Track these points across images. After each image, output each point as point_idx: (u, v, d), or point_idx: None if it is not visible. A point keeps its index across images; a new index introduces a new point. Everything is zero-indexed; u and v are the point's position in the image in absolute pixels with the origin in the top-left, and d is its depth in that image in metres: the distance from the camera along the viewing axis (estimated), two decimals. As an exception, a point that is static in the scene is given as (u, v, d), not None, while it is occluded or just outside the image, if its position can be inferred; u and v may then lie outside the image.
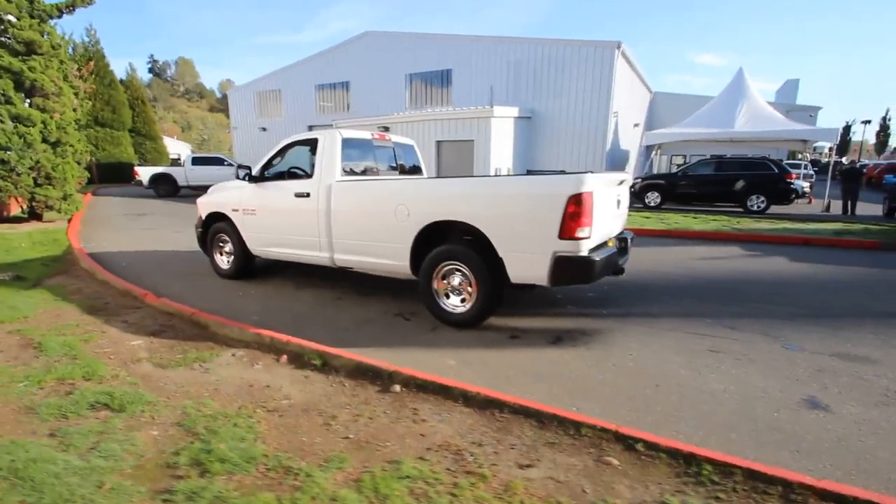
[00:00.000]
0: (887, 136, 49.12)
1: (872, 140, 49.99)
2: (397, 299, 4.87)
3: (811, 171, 22.17)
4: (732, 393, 2.87)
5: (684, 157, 27.43)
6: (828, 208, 14.06)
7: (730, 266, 6.48)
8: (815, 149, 18.49)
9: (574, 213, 3.34)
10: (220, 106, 77.48)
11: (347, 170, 4.83)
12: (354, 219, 4.51)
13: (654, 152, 19.35)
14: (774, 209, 13.66)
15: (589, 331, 3.96)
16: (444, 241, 4.09)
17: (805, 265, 6.43)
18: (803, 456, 2.20)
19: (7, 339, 3.55)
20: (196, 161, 19.58)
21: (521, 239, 3.59)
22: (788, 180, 13.17)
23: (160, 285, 5.25)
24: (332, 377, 3.00)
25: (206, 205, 5.92)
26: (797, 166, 19.73)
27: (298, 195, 4.87)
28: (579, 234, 3.38)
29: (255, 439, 2.20)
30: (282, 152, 5.33)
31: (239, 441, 2.16)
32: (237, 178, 5.32)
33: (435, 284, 4.11)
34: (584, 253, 3.44)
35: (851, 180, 13.13)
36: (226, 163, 19.72)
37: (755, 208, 13.34)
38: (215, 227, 5.80)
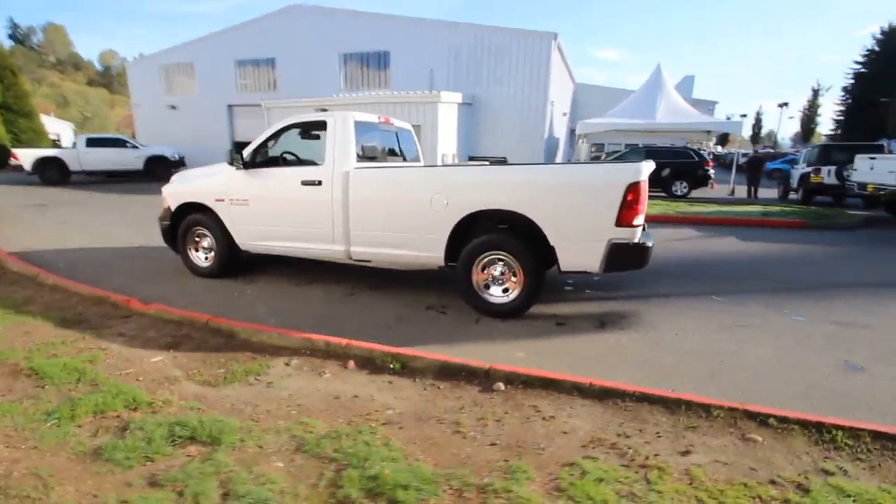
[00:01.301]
0: (760, 128, 57.14)
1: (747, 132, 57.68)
2: (417, 292, 4.66)
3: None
4: (783, 363, 3.15)
5: (603, 145, 29.51)
6: (732, 192, 15.95)
7: (696, 246, 7.12)
8: (696, 140, 20.94)
9: (632, 201, 3.42)
10: (102, 80, 67.90)
11: (360, 156, 4.47)
12: (378, 209, 4.20)
13: (580, 140, 20.51)
14: (693, 193, 15.22)
15: (624, 314, 4.11)
16: (476, 231, 3.97)
17: (756, 244, 7.25)
18: (878, 414, 2.47)
19: (-18, 368, 2.81)
20: (92, 142, 17.01)
21: (576, 227, 3.60)
22: (706, 168, 14.73)
23: (129, 289, 4.49)
24: (420, 380, 2.79)
25: (176, 194, 5.15)
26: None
27: (307, 183, 4.42)
28: (636, 221, 3.47)
29: (407, 457, 1.98)
30: (276, 136, 4.80)
31: (392, 462, 1.92)
32: (229, 162, 4.67)
33: (475, 275, 3.99)
34: (639, 239, 3.55)
35: (754, 168, 15.02)
36: (128, 144, 17.40)
37: (678, 193, 14.75)
38: (190, 220, 5.08)
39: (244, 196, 4.73)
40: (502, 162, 15.38)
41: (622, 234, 3.51)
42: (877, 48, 47.86)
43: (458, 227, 3.94)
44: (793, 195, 14.21)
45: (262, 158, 4.81)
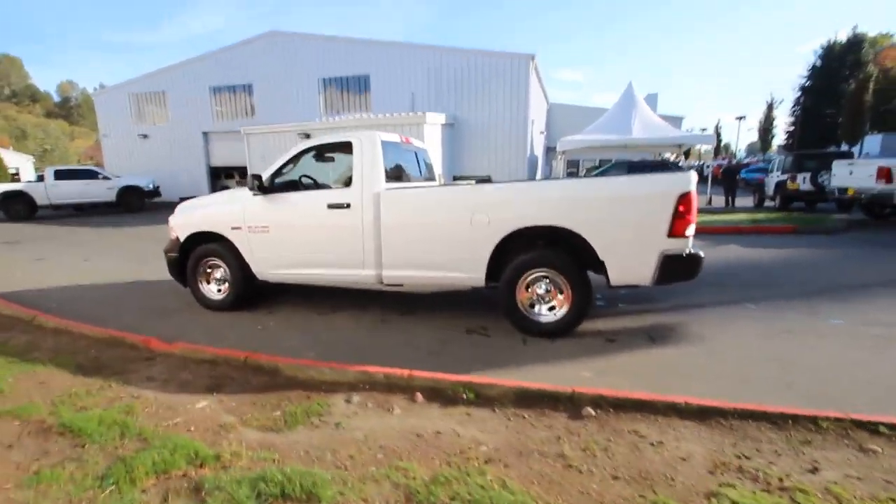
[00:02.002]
0: (719, 141, 60.21)
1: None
2: (451, 315, 4.49)
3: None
4: (847, 367, 3.13)
5: (578, 161, 30.28)
6: (710, 202, 16.49)
7: (708, 255, 7.20)
8: (660, 154, 21.91)
9: (684, 211, 3.39)
10: (61, 111, 65.61)
11: (387, 176, 4.32)
12: (414, 231, 4.04)
13: (558, 157, 20.94)
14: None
15: (669, 327, 4.05)
16: (514, 249, 3.85)
17: (759, 250, 7.41)
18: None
19: (5, 428, 2.46)
20: (60, 174, 16.23)
21: (628, 240, 3.53)
22: (686, 179, 15.20)
23: (141, 328, 4.15)
24: (500, 410, 2.61)
25: (185, 225, 4.85)
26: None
27: (334, 206, 4.22)
28: (688, 231, 3.44)
29: (536, 500, 1.79)
30: (295, 159, 4.61)
31: (523, 507, 1.73)
32: (249, 188, 4.42)
33: (519, 294, 3.86)
34: (691, 249, 3.51)
35: (730, 177, 15.61)
36: (100, 175, 16.65)
37: (662, 205, 15.12)
38: (201, 251, 4.77)
39: (263, 223, 4.48)
40: (487, 180, 15.49)
41: (674, 245, 3.46)
42: (819, 63, 51.51)
43: (499, 246, 3.82)
44: (769, 202, 14.78)
45: (281, 183, 4.60)
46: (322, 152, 4.74)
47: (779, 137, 52.35)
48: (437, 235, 3.98)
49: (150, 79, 21.10)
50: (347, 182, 5.82)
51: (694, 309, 4.54)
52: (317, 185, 5.08)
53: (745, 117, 42.87)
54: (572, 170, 30.92)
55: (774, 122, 48.78)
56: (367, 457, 2.18)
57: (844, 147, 34.35)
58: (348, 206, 4.17)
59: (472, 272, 3.96)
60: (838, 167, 10.07)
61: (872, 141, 31.14)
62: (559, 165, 22.17)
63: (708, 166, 34.81)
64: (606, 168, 16.73)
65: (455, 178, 18.80)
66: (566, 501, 1.81)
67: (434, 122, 15.89)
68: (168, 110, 21.13)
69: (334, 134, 4.66)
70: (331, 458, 2.17)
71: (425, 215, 4.01)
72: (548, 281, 3.82)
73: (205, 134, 20.64)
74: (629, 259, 3.56)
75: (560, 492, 1.87)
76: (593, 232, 3.57)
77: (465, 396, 2.71)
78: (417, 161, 5.25)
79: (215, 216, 4.71)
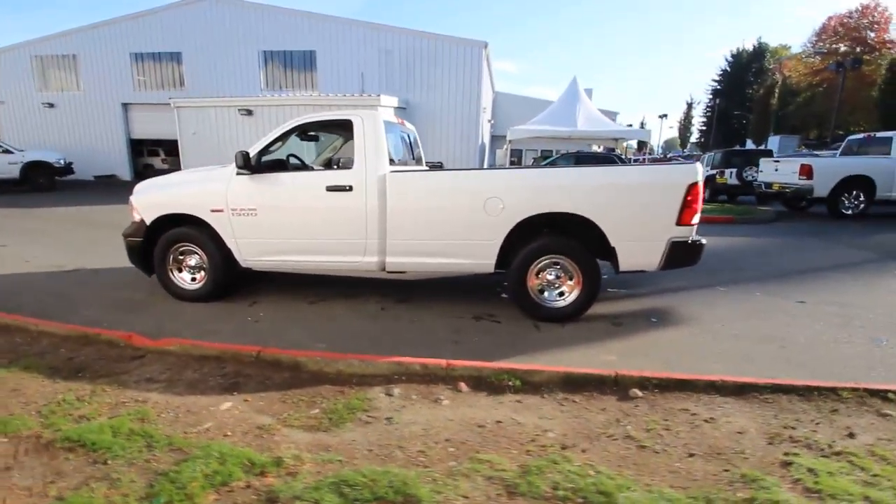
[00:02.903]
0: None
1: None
2: (450, 301, 4.42)
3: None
4: (830, 342, 3.49)
5: (522, 151, 31.02)
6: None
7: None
8: (591, 146, 23.41)
9: (692, 200, 3.57)
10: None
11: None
12: (422, 216, 3.90)
13: (505, 146, 21.33)
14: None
15: (663, 309, 4.28)
16: (521, 235, 3.86)
17: (711, 238, 8.01)
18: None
19: (-7, 446, 2.05)
20: (-56, 146, 13.85)
21: (638, 228, 3.66)
22: (629, 171, 16.15)
23: (110, 322, 3.67)
24: (549, 396, 2.60)
25: (152, 205, 4.32)
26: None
27: (333, 189, 3.96)
28: (694, 220, 3.63)
29: (635, 484, 1.80)
30: (285, 137, 4.25)
31: (628, 490, 1.74)
32: (238, 165, 4.00)
33: (530, 281, 3.88)
34: (695, 237, 3.71)
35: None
36: (0, 148, 14.43)
37: (606, 195, 15.97)
38: (172, 235, 4.29)
39: (250, 205, 4.10)
40: (439, 167, 15.41)
41: (681, 233, 3.64)
42: (728, 69, 56.57)
43: (513, 232, 3.80)
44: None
45: (269, 162, 4.23)
46: (315, 130, 4.42)
47: (694, 135, 57.22)
48: (447, 221, 3.87)
49: (59, 40, 18.52)
50: (328, 163, 5.54)
51: (674, 293, 4.83)
52: (304, 166, 4.75)
53: (666, 116, 46.62)
54: (514, 159, 31.72)
55: (693, 121, 53.05)
56: (440, 452, 2.08)
57: (751, 146, 38.27)
58: (350, 188, 3.93)
59: (482, 258, 3.91)
60: (765, 164, 11.17)
61: (773, 142, 34.98)
62: (501, 155, 22.62)
63: (635, 160, 37.52)
64: (555, 159, 17.27)
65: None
66: (663, 481, 1.84)
67: (388, 105, 15.47)
68: (80, 77, 18.71)
69: (329, 111, 4.36)
70: (402, 455, 2.05)
71: (435, 200, 3.88)
72: (558, 267, 3.87)
73: (124, 105, 18.54)
74: (639, 246, 3.70)
75: (652, 473, 1.91)
76: (607, 219, 3.66)
77: (510, 384, 2.68)
78: (409, 144, 5.07)
79: (191, 196, 4.23)
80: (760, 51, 53.33)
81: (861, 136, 10.93)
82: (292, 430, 2.27)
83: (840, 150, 11.29)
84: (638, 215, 3.64)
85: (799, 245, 7.52)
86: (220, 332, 3.60)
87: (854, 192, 9.67)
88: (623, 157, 17.54)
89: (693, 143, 59.22)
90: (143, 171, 19.22)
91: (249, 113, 14.86)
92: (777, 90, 38.80)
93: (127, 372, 2.83)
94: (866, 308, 4.22)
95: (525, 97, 28.63)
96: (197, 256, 4.35)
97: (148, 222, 4.31)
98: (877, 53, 38.44)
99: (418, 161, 5.26)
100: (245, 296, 4.57)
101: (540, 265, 3.86)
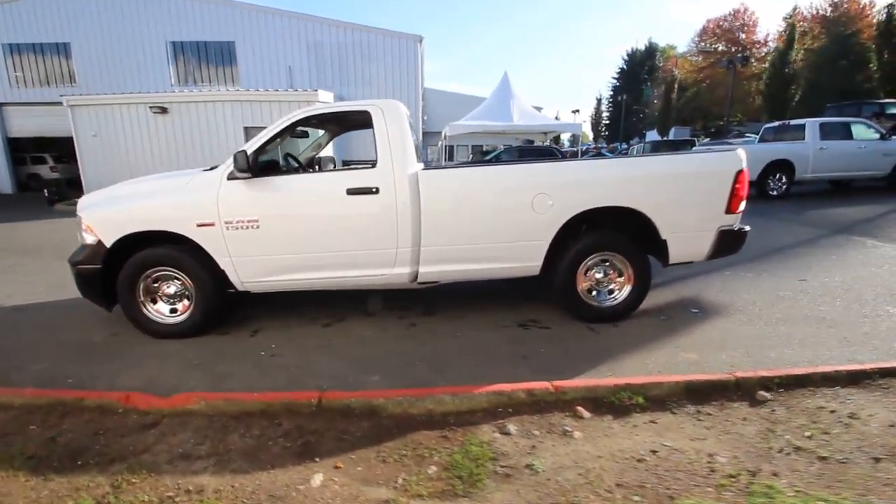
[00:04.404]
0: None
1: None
2: (481, 309, 4.05)
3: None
4: (855, 318, 3.61)
5: (453, 147, 31.06)
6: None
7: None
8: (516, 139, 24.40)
9: (739, 187, 3.52)
10: None
11: (412, 154, 3.62)
12: (462, 218, 3.46)
13: (440, 142, 21.13)
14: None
15: (692, 299, 4.23)
16: (568, 233, 3.61)
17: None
18: None
19: None
20: None
21: (690, 218, 3.54)
22: (569, 163, 16.73)
23: (73, 377, 2.82)
24: (679, 411, 2.34)
25: (113, 223, 3.42)
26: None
27: (355, 192, 3.38)
28: (741, 207, 3.58)
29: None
30: (283, 133, 3.58)
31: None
32: (237, 168, 3.24)
33: (579, 281, 3.61)
34: (739, 225, 3.67)
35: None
36: None
37: (550, 187, 16.41)
38: (143, 258, 3.43)
39: (250, 216, 3.38)
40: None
41: (729, 221, 3.58)
42: (625, 67, 61.42)
43: (563, 230, 3.51)
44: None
45: (267, 163, 3.54)
46: (319, 124, 3.77)
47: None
48: (490, 222, 3.48)
49: None
50: (310, 163, 4.85)
51: (688, 279, 4.84)
52: (300, 165, 4.08)
53: (578, 111, 49.59)
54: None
55: (604, 116, 56.76)
56: (624, 494, 1.72)
57: (656, 136, 41.84)
58: (376, 191, 3.38)
59: (528, 261, 3.58)
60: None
61: (678, 132, 38.49)
62: (435, 151, 22.41)
63: (562, 152, 39.79)
64: (499, 153, 17.38)
65: (345, 163, 17.59)
66: (885, 498, 1.65)
67: (326, 101, 14.48)
68: (-71, 70, 15.35)
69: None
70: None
71: (476, 199, 3.46)
72: (606, 264, 3.65)
73: (-2, 105, 15.55)
74: (690, 237, 3.59)
75: (863, 491, 1.71)
76: (657, 211, 3.49)
77: (632, 402, 2.38)
78: (417, 139, 4.57)
79: (169, 209, 3.40)
80: (652, 50, 58.54)
81: (776, 123, 12.16)
82: (425, 502, 1.77)
83: (758, 136, 12.47)
84: (689, 205, 3.52)
85: (770, 227, 8.09)
86: (237, 375, 2.90)
87: (777, 175, 10.72)
88: (562, 150, 18.12)
89: (603, 136, 63.52)
90: (27, 183, 16.28)
91: (163, 111, 13.11)
92: (676, 86, 42.69)
93: (147, 449, 2.11)
94: (863, 281, 4.51)
95: (453, 93, 28.64)
96: (178, 282, 3.53)
97: (108, 244, 3.40)
98: (748, 52, 43.64)
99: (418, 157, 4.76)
100: (240, 324, 3.82)
101: (588, 264, 3.62)
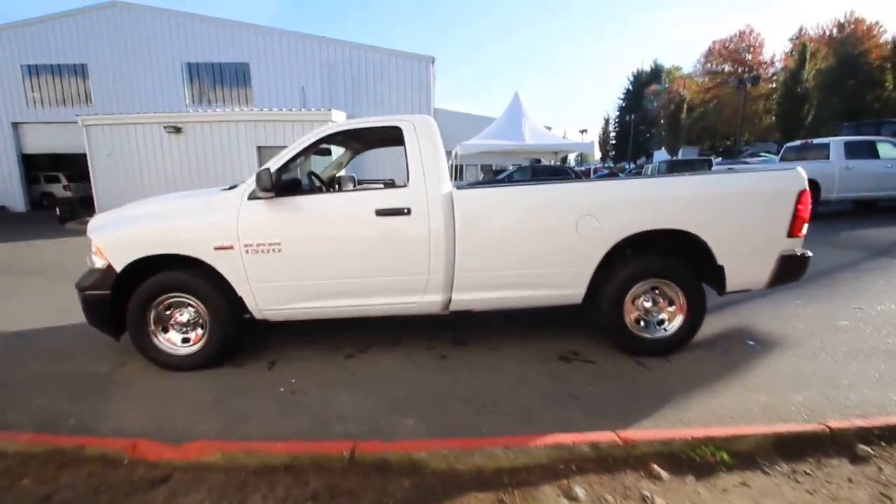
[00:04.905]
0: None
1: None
2: (516, 339, 3.74)
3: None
4: None
5: (462, 167, 31.11)
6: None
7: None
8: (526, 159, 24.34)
9: (802, 208, 3.23)
10: None
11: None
12: (500, 241, 3.19)
13: (450, 161, 21.06)
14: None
15: (746, 329, 3.90)
16: (612, 258, 3.32)
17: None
18: None
19: None
20: None
21: (749, 242, 3.25)
22: (582, 183, 16.52)
23: (62, 416, 2.54)
24: (771, 469, 2.01)
25: (126, 245, 3.18)
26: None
27: (385, 213, 3.13)
28: (803, 230, 3.29)
29: None
30: (308, 151, 3.36)
31: None
32: (261, 186, 3.01)
33: (627, 311, 3.31)
34: (802, 249, 3.36)
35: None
36: None
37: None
38: (157, 283, 3.18)
39: (272, 239, 3.13)
40: (391, 185, 14.67)
41: (791, 245, 3.28)
42: (630, 87, 61.95)
43: (609, 254, 3.22)
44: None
45: (290, 181, 3.31)
46: (349, 140, 3.56)
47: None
48: (530, 246, 3.20)
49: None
50: (331, 182, 4.63)
51: (732, 307, 4.49)
52: (322, 184, 3.86)
53: (586, 130, 49.81)
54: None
55: (612, 135, 57.05)
56: None
57: (665, 155, 41.72)
58: (408, 212, 3.12)
59: (570, 288, 3.29)
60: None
61: (686, 152, 38.41)
62: (450, 170, 22.33)
63: (612, 169, 40.12)
64: (512, 172, 17.23)
65: (359, 182, 17.50)
66: None
67: (338, 121, 14.48)
68: (-51, 91, 15.57)
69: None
70: None
71: (516, 221, 3.20)
72: (657, 292, 3.35)
73: (14, 125, 15.68)
74: (749, 263, 3.28)
75: None
76: (713, 234, 3.20)
77: (719, 458, 2.05)
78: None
79: (185, 231, 3.16)
80: (657, 71, 59.02)
81: (798, 142, 11.89)
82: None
83: (780, 156, 12.20)
84: (748, 228, 3.23)
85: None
86: (255, 415, 2.61)
87: (803, 196, 10.39)
88: (575, 170, 17.94)
89: (610, 156, 63.66)
90: (41, 201, 16.31)
91: (178, 130, 13.10)
92: (685, 106, 42.80)
93: (158, 511, 1.81)
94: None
95: (462, 113, 28.77)
96: (191, 309, 3.27)
97: (119, 268, 3.16)
98: (755, 72, 43.85)
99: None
100: (256, 355, 3.53)
101: (636, 291, 3.31)
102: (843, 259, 6.55)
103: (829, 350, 3.37)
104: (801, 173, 3.26)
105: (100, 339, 3.51)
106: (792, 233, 3.23)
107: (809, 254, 3.41)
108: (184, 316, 3.29)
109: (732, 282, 3.31)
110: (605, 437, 2.13)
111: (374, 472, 2.02)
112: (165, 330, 3.30)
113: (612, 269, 3.26)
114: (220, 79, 16.49)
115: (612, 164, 52.73)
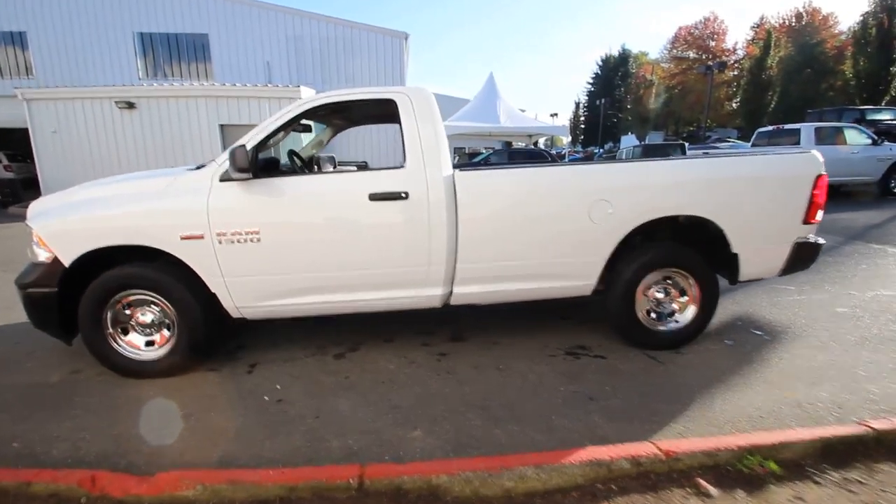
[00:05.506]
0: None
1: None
2: (517, 333, 3.50)
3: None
4: None
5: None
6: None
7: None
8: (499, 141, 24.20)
9: (819, 194, 3.09)
10: None
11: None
12: (507, 229, 2.91)
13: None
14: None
15: (749, 317, 3.80)
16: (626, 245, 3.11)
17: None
18: None
19: None
20: None
21: (766, 229, 3.09)
22: (559, 166, 16.45)
23: (9, 436, 2.14)
24: (824, 479, 1.84)
25: (73, 235, 2.71)
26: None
27: (380, 197, 2.78)
28: (819, 216, 3.16)
29: None
30: (287, 126, 2.97)
31: None
32: (235, 167, 2.59)
33: (638, 302, 3.11)
34: (814, 236, 3.24)
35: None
36: None
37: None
38: (113, 279, 2.75)
39: (249, 226, 2.74)
40: (364, 167, 14.14)
41: (805, 232, 3.15)
42: (599, 72, 62.41)
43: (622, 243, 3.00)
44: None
45: (268, 161, 2.91)
46: (334, 114, 3.17)
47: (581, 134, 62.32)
48: (539, 233, 2.94)
49: None
50: (310, 163, 4.22)
51: (728, 294, 4.41)
52: (304, 165, 3.46)
53: (557, 114, 49.90)
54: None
55: (582, 120, 57.50)
56: None
57: (634, 140, 42.38)
58: (405, 196, 2.79)
59: (581, 279, 3.06)
60: (693, 156, 11.84)
61: (651, 137, 39.10)
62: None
63: (590, 151, 40.21)
64: (487, 155, 16.94)
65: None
66: None
67: (308, 98, 13.71)
68: None
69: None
70: None
71: (524, 207, 2.92)
72: (669, 282, 3.16)
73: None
74: (764, 250, 3.14)
75: None
76: (730, 220, 3.03)
77: (765, 469, 1.87)
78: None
79: (145, 217, 2.72)
80: (625, 56, 59.51)
81: (770, 128, 12.10)
82: None
83: (751, 141, 12.39)
84: (765, 214, 3.07)
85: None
86: (238, 432, 2.27)
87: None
88: (550, 153, 17.81)
89: (580, 140, 64.24)
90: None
91: (130, 106, 12.09)
92: (653, 91, 43.40)
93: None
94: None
95: (438, 94, 28.15)
96: (155, 308, 2.85)
97: (67, 262, 2.70)
98: (719, 59, 44.89)
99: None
100: (233, 356, 3.16)
101: (648, 282, 3.12)
102: (827, 245, 6.63)
103: (837, 339, 3.29)
104: (817, 157, 3.12)
105: (50, 342, 3.05)
106: (807, 219, 3.10)
107: (822, 241, 3.30)
108: (147, 316, 2.87)
109: (747, 270, 3.16)
110: (644, 449, 1.91)
111: (385, 499, 1.73)
112: (126, 332, 2.88)
113: (623, 258, 3.05)
114: (177, 51, 15.30)
115: (580, 149, 53.25)
